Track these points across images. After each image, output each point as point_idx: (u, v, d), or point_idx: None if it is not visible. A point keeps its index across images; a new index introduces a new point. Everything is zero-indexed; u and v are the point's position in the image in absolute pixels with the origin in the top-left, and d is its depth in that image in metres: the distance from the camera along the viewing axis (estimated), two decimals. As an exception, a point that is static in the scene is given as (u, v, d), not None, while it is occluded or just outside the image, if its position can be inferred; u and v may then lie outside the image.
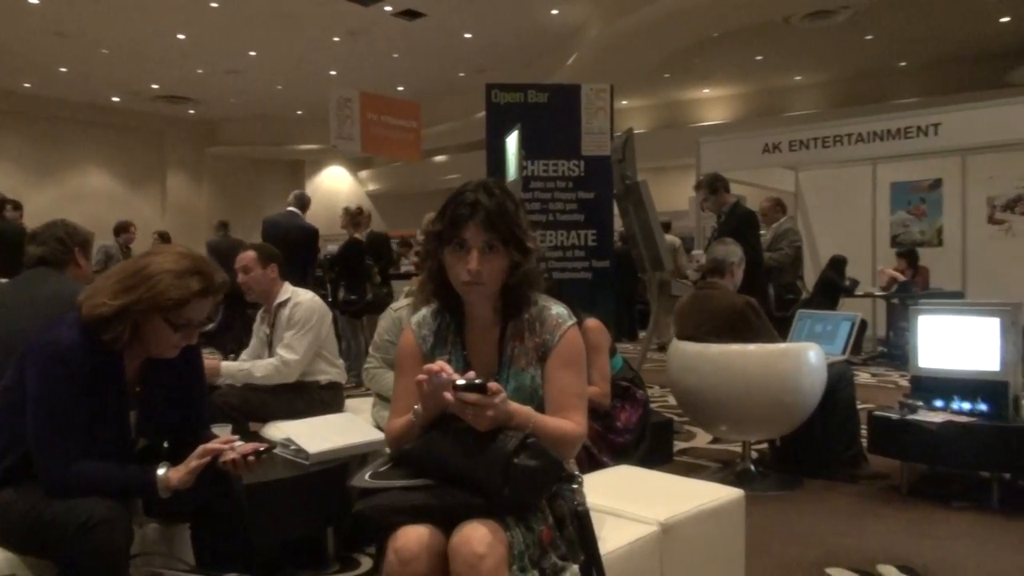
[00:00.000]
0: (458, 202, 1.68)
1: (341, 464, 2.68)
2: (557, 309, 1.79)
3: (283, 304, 3.37)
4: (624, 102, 15.99)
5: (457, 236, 1.67)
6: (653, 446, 3.48)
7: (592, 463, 2.88)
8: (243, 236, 9.81)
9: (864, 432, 3.96)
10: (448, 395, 1.53)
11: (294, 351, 3.27)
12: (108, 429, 1.84)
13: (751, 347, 3.64)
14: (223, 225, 9.26)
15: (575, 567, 1.59)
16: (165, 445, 2.04)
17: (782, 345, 3.79)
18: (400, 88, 15.30)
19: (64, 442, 1.74)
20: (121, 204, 16.89)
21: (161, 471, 1.80)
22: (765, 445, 4.37)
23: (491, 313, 1.78)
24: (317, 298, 3.45)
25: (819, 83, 15.66)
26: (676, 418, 4.79)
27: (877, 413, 3.74)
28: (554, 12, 11.64)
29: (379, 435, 2.77)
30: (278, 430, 2.92)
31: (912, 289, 7.89)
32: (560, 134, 4.93)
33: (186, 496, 1.82)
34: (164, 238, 8.97)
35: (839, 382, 3.93)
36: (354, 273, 7.05)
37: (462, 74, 14.89)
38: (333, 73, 14.52)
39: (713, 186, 5.44)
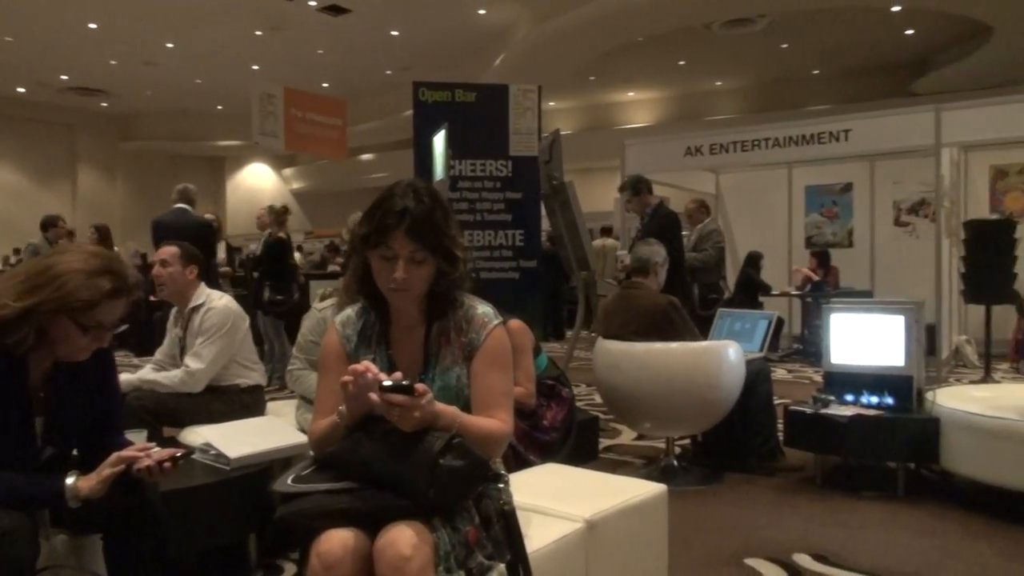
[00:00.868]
0: (386, 209, 1.65)
1: (263, 468, 2.62)
2: (483, 308, 1.79)
3: (197, 308, 3.27)
4: (551, 103, 16.15)
5: (384, 244, 1.65)
6: (579, 444, 3.52)
7: (519, 462, 2.89)
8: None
9: (781, 426, 4.12)
10: (374, 396, 1.51)
11: (201, 360, 3.17)
12: (11, 437, 1.74)
13: (674, 345, 3.72)
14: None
15: (502, 566, 1.60)
16: (75, 453, 1.94)
17: (703, 343, 3.89)
18: (325, 85, 15.05)
19: (-38, 451, 1.65)
20: (28, 201, 16.10)
21: (70, 480, 1.72)
22: (688, 441, 4.48)
23: (417, 313, 1.77)
24: (233, 303, 3.35)
25: (738, 89, 16.16)
26: (602, 416, 4.87)
27: (792, 408, 3.89)
28: (482, 12, 11.66)
29: (303, 438, 2.72)
30: (197, 435, 2.84)
31: (825, 288, 8.24)
32: (488, 134, 4.94)
33: (98, 505, 1.75)
34: (101, 232, 8.10)
35: (757, 378, 4.06)
36: (279, 273, 6.89)
37: (389, 72, 14.75)
38: (255, 68, 14.17)
39: (636, 188, 5.56)
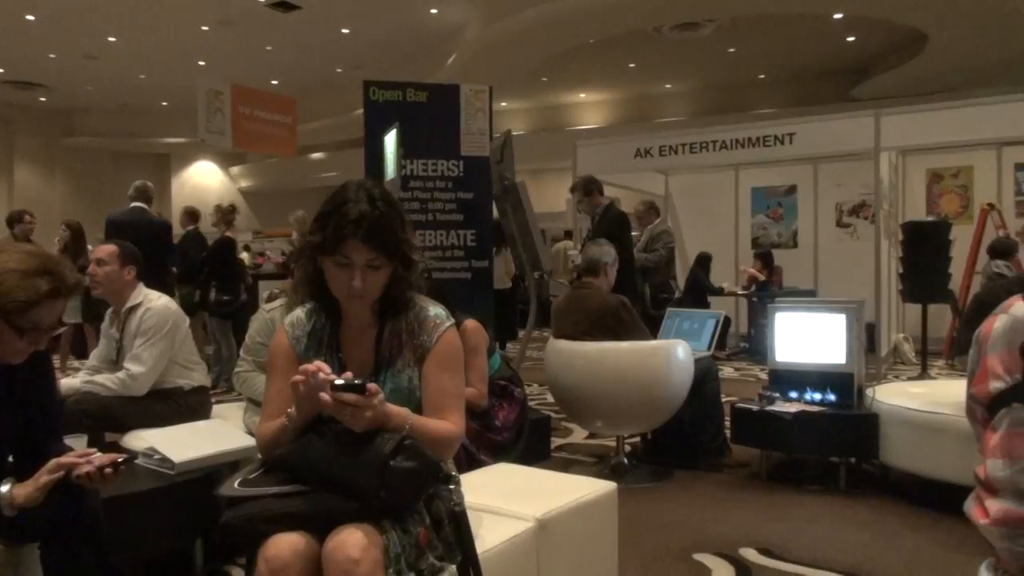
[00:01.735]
0: (341, 215, 1.62)
1: (210, 473, 2.57)
2: (435, 310, 1.79)
3: (134, 309, 3.19)
4: (503, 104, 16.17)
5: (339, 252, 1.63)
6: (531, 443, 3.54)
7: (471, 462, 2.90)
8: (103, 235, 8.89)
9: (728, 423, 4.20)
10: (325, 396, 1.50)
11: (142, 363, 3.09)
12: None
13: (624, 344, 3.77)
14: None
15: (452, 568, 1.60)
16: (10, 459, 1.88)
17: (652, 342, 3.95)
18: (274, 82, 14.82)
19: None
20: (-40, 198, 15.48)
21: (5, 488, 1.67)
22: (638, 439, 4.54)
23: (369, 315, 1.76)
24: (172, 303, 3.27)
25: (687, 92, 16.43)
26: (554, 415, 4.90)
27: (739, 405, 3.97)
28: (433, 11, 11.63)
29: (250, 441, 2.68)
30: (140, 439, 2.78)
31: (770, 288, 8.44)
32: (439, 134, 4.92)
33: (35, 514, 1.69)
34: (74, 230, 7.64)
35: (705, 377, 4.14)
36: (227, 273, 6.77)
37: (339, 70, 14.60)
38: (202, 63, 13.88)
39: (587, 188, 5.61)
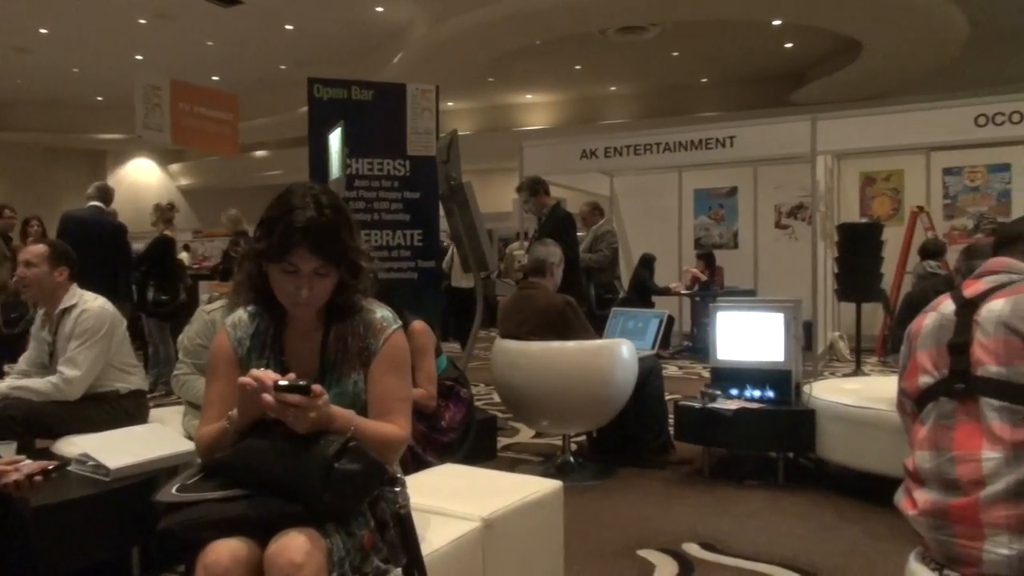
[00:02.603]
0: (287, 223, 1.59)
1: (147, 479, 2.51)
2: (382, 313, 1.77)
3: (68, 311, 3.08)
4: (450, 104, 16.12)
5: (286, 260, 1.61)
6: (477, 443, 3.55)
7: (417, 463, 2.88)
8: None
9: (671, 421, 4.27)
10: (268, 396, 1.47)
11: (76, 366, 2.99)
12: None
13: (569, 344, 3.80)
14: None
15: (397, 570, 1.59)
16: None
17: (597, 342, 3.99)
18: (215, 78, 14.46)
19: None
20: None
21: (-73, 498, 1.60)
22: (584, 437, 4.58)
23: (314, 318, 1.74)
24: (108, 305, 3.18)
25: (632, 94, 16.64)
26: (500, 415, 4.91)
27: (682, 403, 4.05)
28: (379, 9, 11.52)
29: (189, 445, 2.62)
30: (73, 445, 2.69)
31: (712, 288, 8.60)
32: (385, 133, 4.88)
33: (-41, 524, 1.63)
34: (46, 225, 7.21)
35: (649, 375, 4.20)
36: (165, 272, 6.61)
37: (283, 67, 14.34)
38: (139, 58, 13.48)
39: (533, 189, 5.64)
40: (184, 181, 20.64)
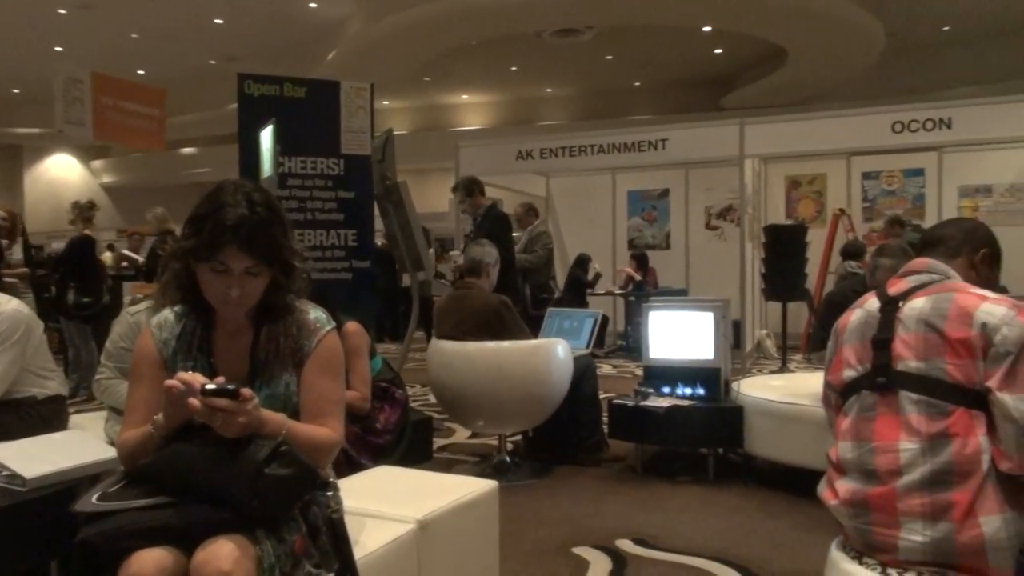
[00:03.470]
0: (217, 221, 1.55)
1: (67, 488, 2.40)
2: (315, 314, 1.74)
3: None
4: (385, 102, 15.98)
5: (216, 258, 1.56)
6: (413, 444, 3.52)
7: (351, 466, 2.85)
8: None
9: (605, 419, 4.32)
10: (194, 400, 1.43)
11: None
12: None
13: (505, 344, 3.82)
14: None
15: (330, 575, 1.57)
16: None
17: (533, 341, 4.02)
18: (141, 72, 13.99)
19: None
20: None
21: None
22: (520, 437, 4.60)
23: (243, 319, 1.70)
24: (23, 307, 3.03)
25: (567, 96, 16.81)
26: (436, 416, 4.89)
27: (615, 401, 4.10)
28: (313, 5, 11.34)
29: (111, 452, 2.51)
30: (-14, 455, 2.55)
31: (645, 288, 8.76)
32: (319, 131, 4.80)
33: None
34: (15, 220, 6.66)
35: (584, 374, 4.24)
36: (86, 274, 6.36)
37: (213, 62, 13.97)
38: (59, 49, 12.93)
39: (469, 189, 5.64)
40: (108, 178, 19.90)
